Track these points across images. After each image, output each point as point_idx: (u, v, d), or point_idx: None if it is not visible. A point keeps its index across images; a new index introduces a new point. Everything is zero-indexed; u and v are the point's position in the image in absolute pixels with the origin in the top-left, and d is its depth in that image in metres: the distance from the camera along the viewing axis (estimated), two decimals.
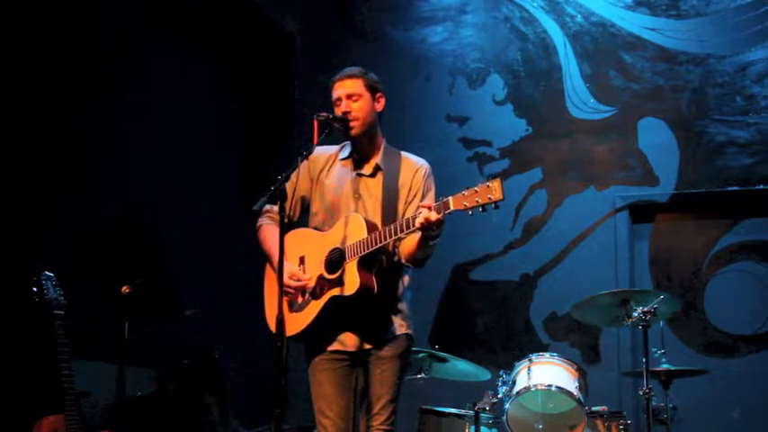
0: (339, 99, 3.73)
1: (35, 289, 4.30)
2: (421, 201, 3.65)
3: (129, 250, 5.39)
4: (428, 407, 4.83)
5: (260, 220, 3.85)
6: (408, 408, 4.00)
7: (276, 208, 3.59)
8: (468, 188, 3.32)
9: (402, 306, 3.70)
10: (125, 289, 4.64)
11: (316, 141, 3.64)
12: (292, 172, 3.50)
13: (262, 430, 5.80)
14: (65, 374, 4.19)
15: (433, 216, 3.34)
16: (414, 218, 3.40)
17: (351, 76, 3.75)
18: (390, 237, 3.47)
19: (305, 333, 3.64)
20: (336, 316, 3.60)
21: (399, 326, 3.68)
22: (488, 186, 3.27)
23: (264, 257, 3.80)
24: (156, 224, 5.65)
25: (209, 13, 6.22)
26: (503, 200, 3.25)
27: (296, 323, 3.64)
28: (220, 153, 6.51)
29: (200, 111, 6.23)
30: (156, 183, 5.73)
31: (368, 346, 3.63)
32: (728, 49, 6.11)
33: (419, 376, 4.89)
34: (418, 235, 3.47)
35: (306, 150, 3.58)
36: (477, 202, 3.28)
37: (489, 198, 3.26)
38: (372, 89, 3.75)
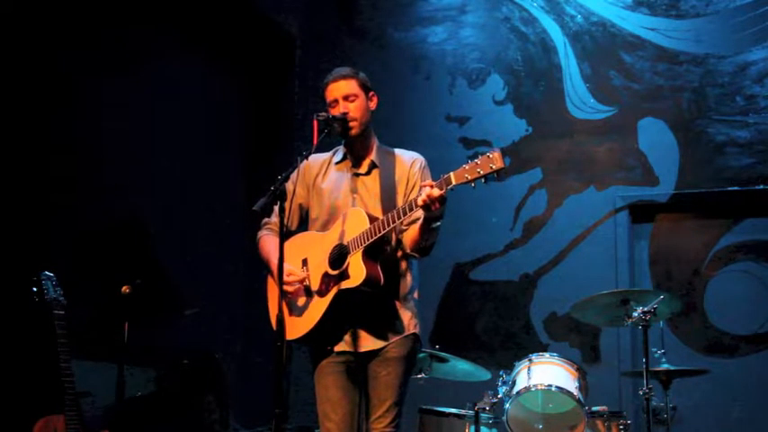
0: (335, 101, 3.70)
1: (35, 289, 4.30)
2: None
3: (129, 250, 5.39)
4: (428, 407, 4.83)
5: (259, 233, 3.84)
6: (408, 408, 3.98)
7: (275, 220, 3.57)
8: (468, 161, 3.28)
9: (409, 305, 3.66)
10: (125, 289, 4.64)
11: (315, 141, 3.62)
12: (292, 172, 3.50)
13: (262, 430, 5.80)
14: (65, 374, 4.19)
15: (436, 192, 3.29)
16: (415, 199, 3.36)
17: (344, 77, 3.72)
18: (393, 222, 3.42)
19: (312, 334, 3.58)
20: (344, 312, 3.55)
21: (407, 325, 3.63)
22: (489, 157, 3.23)
23: (265, 267, 3.76)
24: (155, 224, 5.65)
25: (209, 14, 6.22)
26: (504, 168, 3.22)
27: (302, 324, 3.59)
28: (220, 153, 6.51)
29: (200, 111, 6.24)
30: (157, 183, 5.74)
31: (375, 347, 3.58)
32: (728, 49, 6.11)
33: (419, 376, 4.88)
34: (421, 220, 3.43)
35: (305, 150, 3.57)
36: (479, 173, 3.23)
37: (491, 168, 3.21)
38: (366, 88, 3.74)
